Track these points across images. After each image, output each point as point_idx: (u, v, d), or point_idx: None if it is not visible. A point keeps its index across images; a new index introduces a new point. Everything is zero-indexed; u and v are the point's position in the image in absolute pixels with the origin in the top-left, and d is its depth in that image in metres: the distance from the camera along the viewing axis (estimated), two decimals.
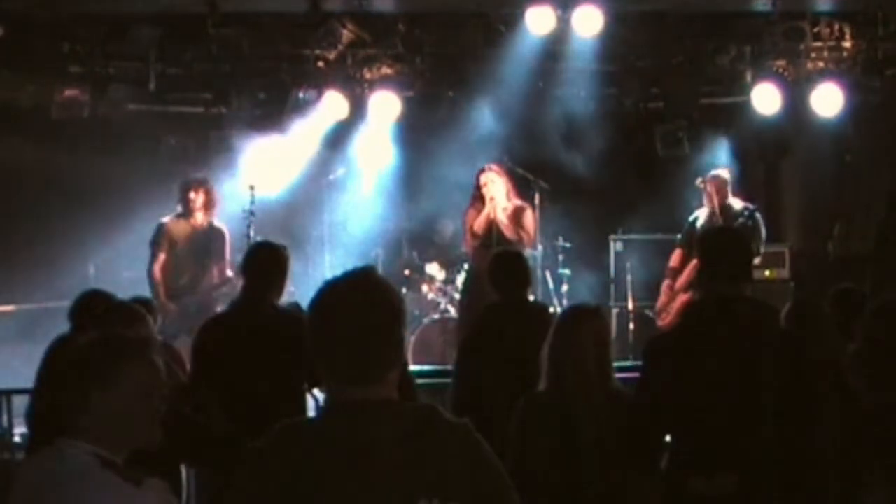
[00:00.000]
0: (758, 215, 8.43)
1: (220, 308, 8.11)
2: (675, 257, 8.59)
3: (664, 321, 8.44)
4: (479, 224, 8.24)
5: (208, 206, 8.37)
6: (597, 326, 4.41)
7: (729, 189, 8.59)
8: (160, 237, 8.25)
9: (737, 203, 8.55)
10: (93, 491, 2.60)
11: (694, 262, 8.24)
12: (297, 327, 2.39)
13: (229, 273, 8.23)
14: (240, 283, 5.21)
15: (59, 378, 2.73)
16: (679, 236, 8.76)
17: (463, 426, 2.36)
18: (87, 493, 2.60)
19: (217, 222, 8.45)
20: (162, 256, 8.21)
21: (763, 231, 8.48)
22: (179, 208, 8.37)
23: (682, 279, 8.44)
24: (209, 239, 8.35)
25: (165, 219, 8.36)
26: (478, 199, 8.33)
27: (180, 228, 8.31)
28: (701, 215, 8.57)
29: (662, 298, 8.59)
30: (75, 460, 2.62)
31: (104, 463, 2.62)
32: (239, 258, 6.12)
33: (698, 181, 8.77)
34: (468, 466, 2.31)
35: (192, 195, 8.29)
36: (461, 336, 5.52)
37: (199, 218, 8.33)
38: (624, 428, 4.00)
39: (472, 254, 8.40)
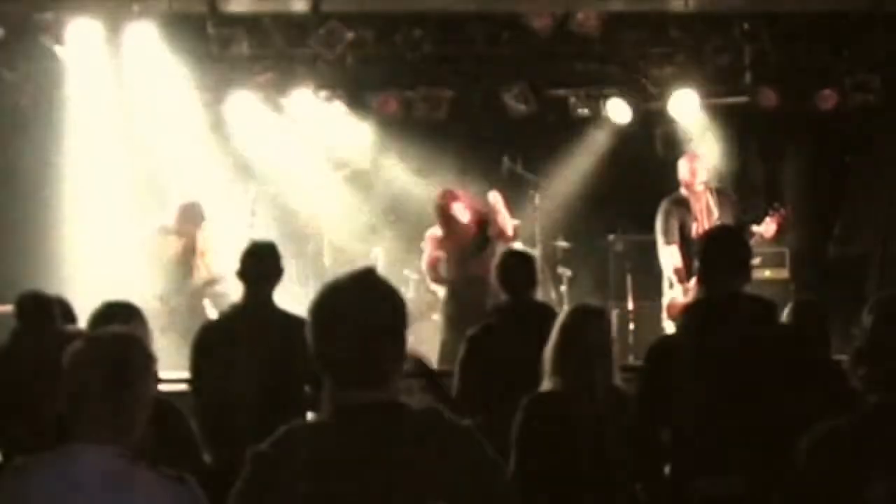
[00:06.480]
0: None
1: (208, 308, 8.20)
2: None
3: None
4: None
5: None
6: (600, 326, 4.42)
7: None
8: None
9: None
10: (141, 489, 2.52)
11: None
12: (300, 327, 2.38)
13: (218, 271, 8.20)
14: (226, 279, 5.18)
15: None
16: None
17: (465, 428, 2.36)
18: (137, 491, 2.52)
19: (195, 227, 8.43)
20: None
21: None
22: (167, 224, 8.34)
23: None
24: (192, 245, 8.34)
25: (150, 231, 8.34)
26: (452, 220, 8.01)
27: (165, 241, 8.29)
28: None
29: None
30: (106, 464, 2.52)
31: (132, 461, 2.56)
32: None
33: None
34: (471, 468, 2.31)
35: (193, 218, 8.29)
36: (466, 335, 5.47)
37: (182, 230, 8.34)
38: (625, 428, 4.00)
39: (458, 270, 8.02)
